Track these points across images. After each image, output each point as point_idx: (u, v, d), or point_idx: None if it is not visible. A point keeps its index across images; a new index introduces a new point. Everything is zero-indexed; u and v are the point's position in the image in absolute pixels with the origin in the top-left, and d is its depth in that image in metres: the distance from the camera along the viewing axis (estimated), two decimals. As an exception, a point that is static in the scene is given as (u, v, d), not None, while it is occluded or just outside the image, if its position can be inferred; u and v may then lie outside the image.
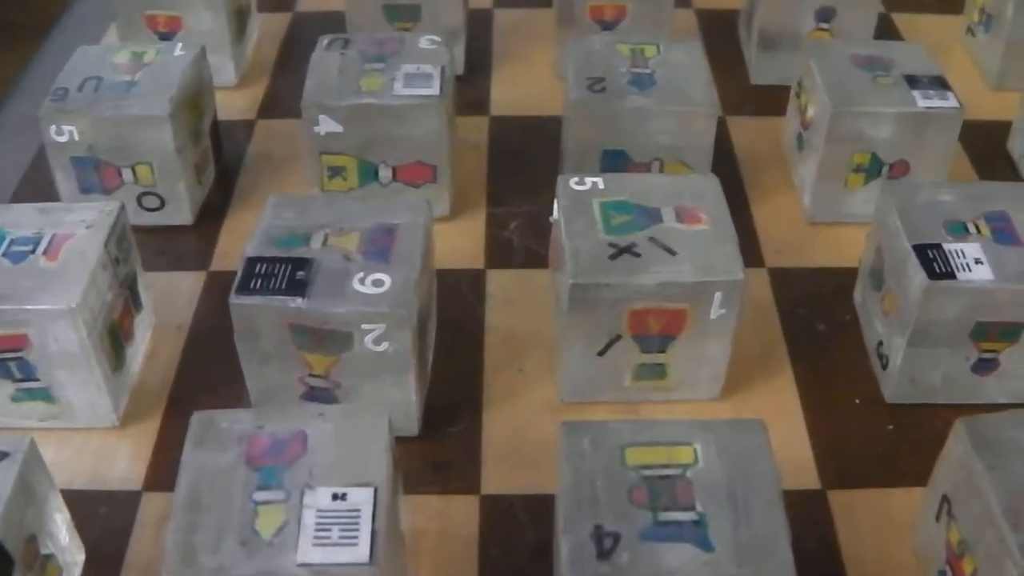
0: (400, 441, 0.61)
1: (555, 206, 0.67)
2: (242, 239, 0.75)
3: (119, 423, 0.66)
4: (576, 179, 0.67)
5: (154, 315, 0.72)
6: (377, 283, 0.60)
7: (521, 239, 0.78)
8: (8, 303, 0.60)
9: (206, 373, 0.69)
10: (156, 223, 0.79)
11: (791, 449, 0.65)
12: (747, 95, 0.93)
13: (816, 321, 0.72)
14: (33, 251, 0.63)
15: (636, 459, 0.52)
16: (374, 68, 0.76)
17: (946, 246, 0.63)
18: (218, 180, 0.83)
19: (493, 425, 0.66)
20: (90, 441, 0.65)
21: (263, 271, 0.61)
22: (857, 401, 0.68)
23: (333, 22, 0.95)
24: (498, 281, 0.75)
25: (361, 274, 0.60)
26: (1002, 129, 0.88)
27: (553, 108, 0.86)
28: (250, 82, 0.94)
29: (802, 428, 0.66)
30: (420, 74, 0.75)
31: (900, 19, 1.03)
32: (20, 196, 0.82)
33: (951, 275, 0.62)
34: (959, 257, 0.63)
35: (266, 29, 1.01)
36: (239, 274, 0.61)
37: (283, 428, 0.53)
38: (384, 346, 0.60)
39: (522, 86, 0.93)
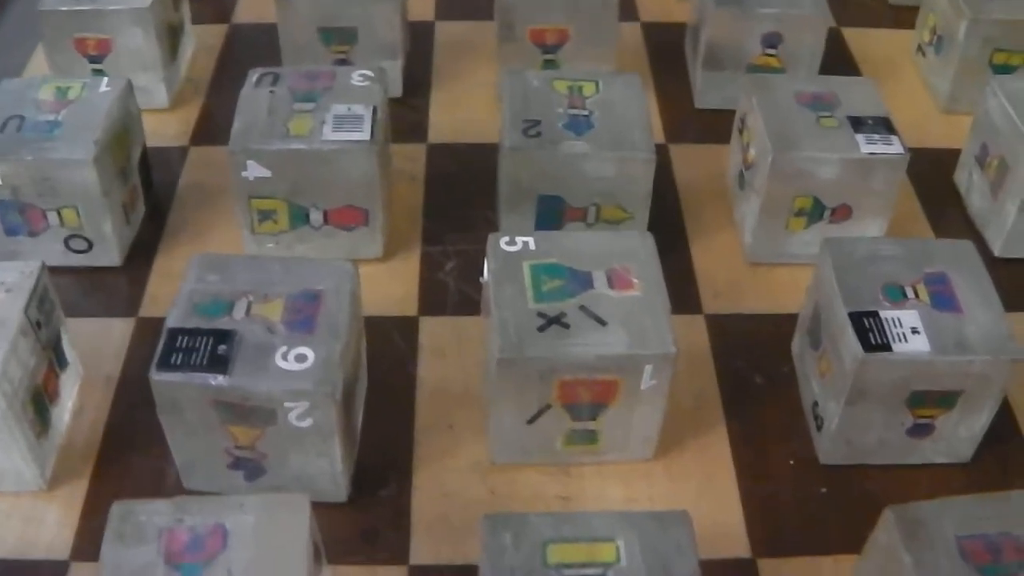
0: (327, 508, 0.61)
1: (485, 267, 0.65)
2: (172, 282, 0.74)
3: (46, 486, 0.64)
4: (507, 239, 0.65)
5: (81, 367, 0.70)
6: (300, 358, 0.59)
7: (456, 281, 0.76)
8: (-77, 379, 0.59)
9: (135, 428, 0.67)
10: (84, 264, 0.77)
11: (722, 514, 0.64)
12: (690, 120, 0.91)
13: (753, 372, 0.72)
14: (-51, 318, 0.62)
15: (558, 557, 0.52)
16: (303, 109, 0.74)
17: (883, 313, 0.63)
18: (148, 215, 0.81)
19: (422, 489, 0.65)
20: (18, 506, 0.64)
21: (184, 344, 0.59)
22: (791, 462, 0.67)
23: (270, 35, 0.92)
24: (431, 330, 0.74)
25: (284, 348, 0.59)
26: (949, 157, 0.87)
27: (492, 135, 0.85)
28: (184, 102, 0.92)
29: (734, 490, 0.65)
30: (351, 116, 0.73)
31: (850, 34, 1.01)
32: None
33: (887, 347, 0.61)
34: (896, 326, 0.62)
35: (202, 42, 0.98)
36: (160, 347, 0.59)
37: (203, 521, 0.52)
38: (308, 421, 0.59)
39: (462, 109, 0.92)
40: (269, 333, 0.60)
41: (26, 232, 0.76)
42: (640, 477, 0.66)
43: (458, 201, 0.83)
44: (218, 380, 0.58)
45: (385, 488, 0.65)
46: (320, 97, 0.75)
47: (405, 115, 0.88)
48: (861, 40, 1.01)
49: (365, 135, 0.72)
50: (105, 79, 0.78)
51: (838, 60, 0.96)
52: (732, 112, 0.84)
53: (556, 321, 0.61)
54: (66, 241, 0.76)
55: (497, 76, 0.91)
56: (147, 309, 0.75)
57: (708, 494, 0.65)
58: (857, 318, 0.62)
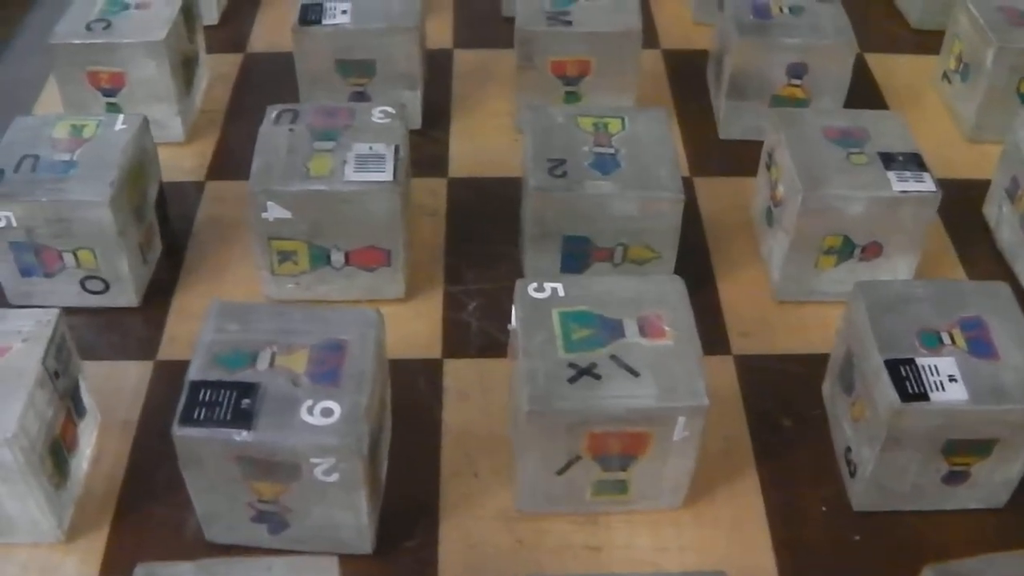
0: (353, 560, 0.60)
1: (513, 314, 0.64)
2: (190, 323, 0.73)
3: (64, 538, 0.63)
4: (535, 285, 0.64)
5: (99, 413, 0.69)
6: (326, 412, 0.58)
7: (480, 322, 0.75)
8: (-60, 432, 0.58)
9: (154, 476, 0.66)
10: (101, 305, 0.76)
11: (754, 562, 0.63)
12: (714, 151, 0.90)
13: (782, 415, 0.70)
14: (-34, 369, 0.60)
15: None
16: (324, 148, 0.73)
17: (919, 361, 0.61)
18: (165, 253, 0.80)
19: (449, 540, 0.63)
20: (35, 558, 0.63)
21: (207, 398, 0.58)
22: (823, 508, 0.66)
23: (285, 64, 0.91)
24: (455, 372, 0.72)
25: (309, 402, 0.58)
26: (977, 188, 0.85)
27: (512, 168, 0.84)
28: (199, 135, 0.91)
29: (766, 538, 0.64)
30: (372, 155, 0.72)
31: (873, 59, 1.00)
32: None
33: (924, 396, 0.60)
34: (932, 374, 0.61)
35: (217, 72, 0.97)
36: (182, 401, 0.58)
37: (227, 586, 0.51)
38: (334, 476, 0.58)
39: (481, 139, 0.90)
40: (293, 386, 0.59)
41: (41, 273, 0.74)
42: (669, 525, 0.65)
43: (479, 237, 0.81)
44: (242, 436, 0.57)
45: (411, 539, 0.64)
46: (340, 135, 0.74)
47: (425, 147, 0.87)
48: (884, 66, 1.00)
49: (388, 175, 0.71)
50: (121, 116, 0.77)
51: (861, 87, 0.94)
52: (756, 143, 0.83)
53: (587, 372, 0.60)
54: (82, 282, 0.75)
55: (516, 107, 0.90)
56: (166, 351, 0.74)
57: (739, 542, 0.64)
58: (893, 366, 0.61)
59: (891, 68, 1.00)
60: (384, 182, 0.71)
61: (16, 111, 0.89)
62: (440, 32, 1.02)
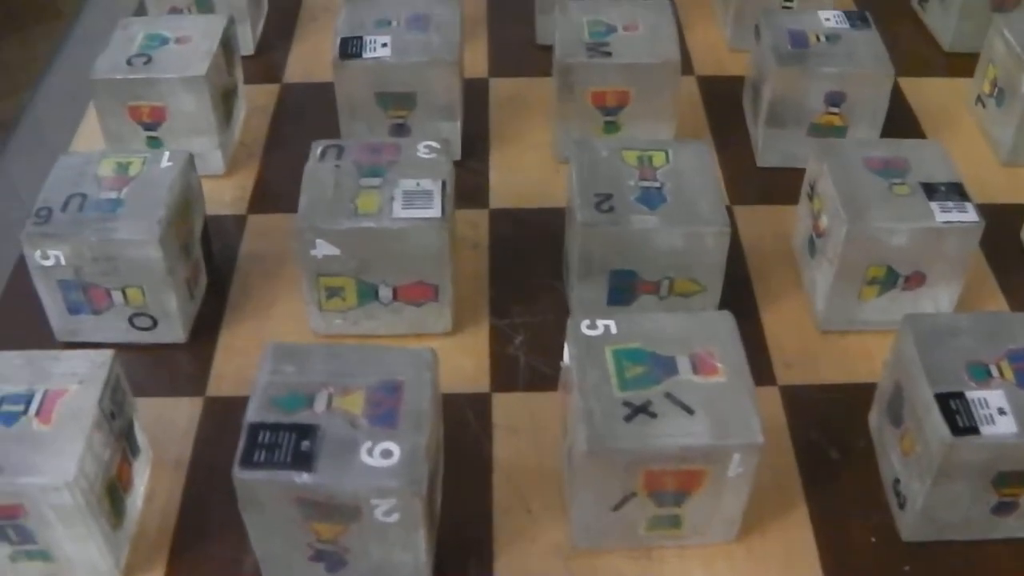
0: (410, 598, 0.60)
1: (566, 350, 0.64)
2: (237, 359, 0.74)
3: (121, 577, 0.64)
4: (587, 323, 0.64)
5: (151, 450, 0.69)
6: (385, 454, 0.58)
7: (527, 356, 0.76)
8: (3, 475, 0.58)
9: (210, 515, 0.67)
10: (148, 341, 0.76)
11: (809, 596, 0.63)
12: (753, 179, 0.91)
13: (829, 447, 0.71)
14: (25, 411, 0.61)
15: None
16: (370, 184, 0.73)
17: (969, 395, 0.62)
18: (210, 288, 0.81)
19: (504, 575, 0.64)
20: (91, 597, 0.63)
21: (266, 441, 0.59)
22: (873, 539, 0.66)
23: (322, 95, 0.92)
24: (504, 407, 0.73)
25: (368, 443, 0.58)
26: (1014, 213, 0.86)
27: (553, 198, 0.84)
28: (239, 167, 0.92)
29: (818, 570, 0.65)
30: (420, 192, 0.72)
31: (906, 84, 1.00)
32: (4, 311, 0.80)
33: (975, 430, 0.60)
34: (982, 408, 0.61)
35: (255, 104, 0.98)
36: (241, 443, 0.59)
37: (292, 629, 0.51)
38: (395, 517, 0.58)
39: (521, 170, 0.91)
40: (352, 428, 0.59)
41: (89, 311, 0.75)
42: (722, 559, 0.65)
43: (522, 269, 0.82)
44: (303, 478, 0.57)
45: (466, 575, 0.64)
46: (386, 171, 0.74)
47: (465, 178, 0.88)
48: (917, 89, 1.00)
49: (436, 212, 0.71)
50: (166, 153, 0.77)
51: (896, 112, 0.94)
52: (794, 170, 0.84)
53: (643, 411, 0.60)
54: (130, 319, 0.76)
55: (554, 136, 0.90)
56: (214, 387, 0.74)
57: (791, 574, 0.64)
58: (943, 400, 0.61)
59: (924, 92, 1.00)
60: (432, 218, 0.71)
61: (54, 144, 0.90)
62: (475, 60, 1.02)
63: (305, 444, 0.58)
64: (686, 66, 1.01)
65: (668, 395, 0.61)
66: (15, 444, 0.59)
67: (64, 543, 0.61)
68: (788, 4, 1.02)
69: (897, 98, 0.98)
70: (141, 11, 1.07)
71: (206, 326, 0.78)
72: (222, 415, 0.72)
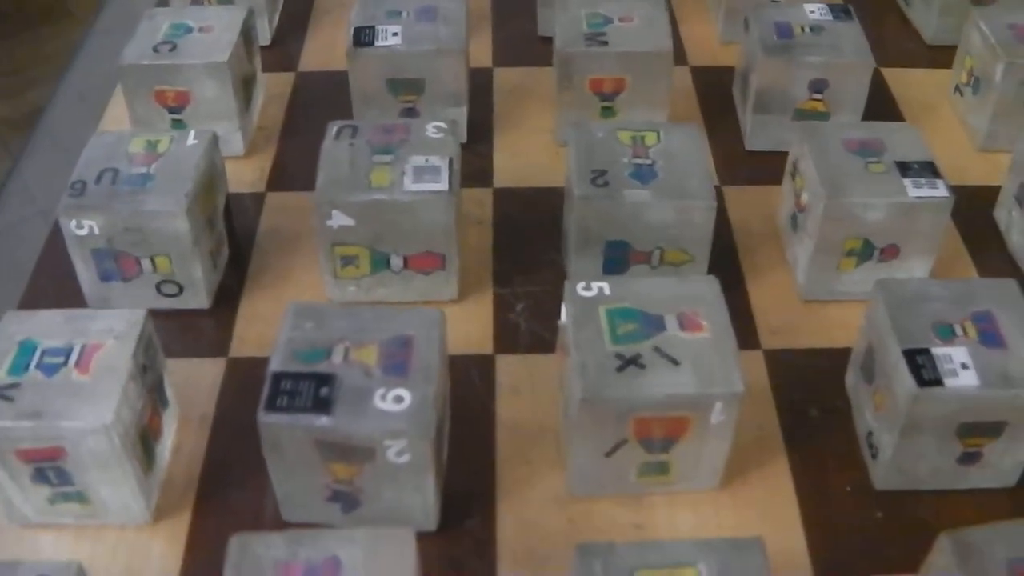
0: (418, 537, 0.65)
1: (563, 310, 0.70)
2: (257, 324, 0.79)
3: (151, 519, 0.69)
4: (583, 284, 0.70)
5: (178, 406, 0.75)
6: (397, 399, 0.63)
7: (527, 322, 0.81)
8: (45, 419, 0.63)
9: (233, 465, 0.72)
10: (175, 307, 0.81)
11: (786, 538, 0.68)
12: (742, 162, 0.96)
13: (809, 406, 0.76)
14: (65, 363, 0.66)
15: (646, 582, 0.56)
16: (383, 161, 0.79)
17: (934, 351, 0.67)
18: (231, 260, 0.86)
19: (506, 520, 0.69)
20: (124, 538, 0.68)
21: (288, 388, 0.64)
22: (848, 488, 0.71)
23: (336, 82, 0.97)
24: (506, 368, 0.78)
25: (382, 390, 0.64)
26: (988, 194, 0.91)
27: (553, 179, 0.89)
28: (257, 150, 0.97)
29: (796, 516, 0.70)
30: (429, 167, 0.78)
31: (890, 74, 1.06)
32: (37, 279, 0.85)
33: (939, 382, 0.65)
34: (947, 363, 0.66)
35: (271, 91, 1.03)
36: (265, 390, 0.64)
37: (316, 554, 0.56)
38: (405, 458, 0.64)
39: (523, 154, 0.96)
40: (367, 377, 0.65)
41: (120, 278, 0.80)
42: (708, 505, 0.70)
43: (524, 243, 0.87)
44: (322, 421, 0.63)
45: (470, 518, 0.69)
46: (397, 149, 0.80)
47: (471, 160, 0.93)
48: (900, 80, 1.05)
49: (443, 185, 0.77)
50: (192, 132, 0.82)
51: (878, 100, 1.00)
52: (780, 154, 0.89)
53: (633, 362, 0.65)
54: (158, 286, 0.81)
55: (555, 122, 0.96)
56: (236, 350, 0.80)
57: (771, 520, 0.69)
58: (910, 355, 0.67)
59: (907, 81, 1.05)
60: (440, 191, 0.77)
61: (84, 126, 0.96)
62: (481, 51, 1.08)
63: (324, 391, 0.64)
64: (680, 57, 1.06)
65: (656, 349, 0.66)
66: (56, 392, 0.64)
67: (100, 486, 0.66)
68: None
69: (881, 88, 1.03)
70: (163, 3, 1.12)
71: (228, 294, 0.84)
72: (243, 375, 0.77)
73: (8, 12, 2.35)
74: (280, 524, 0.68)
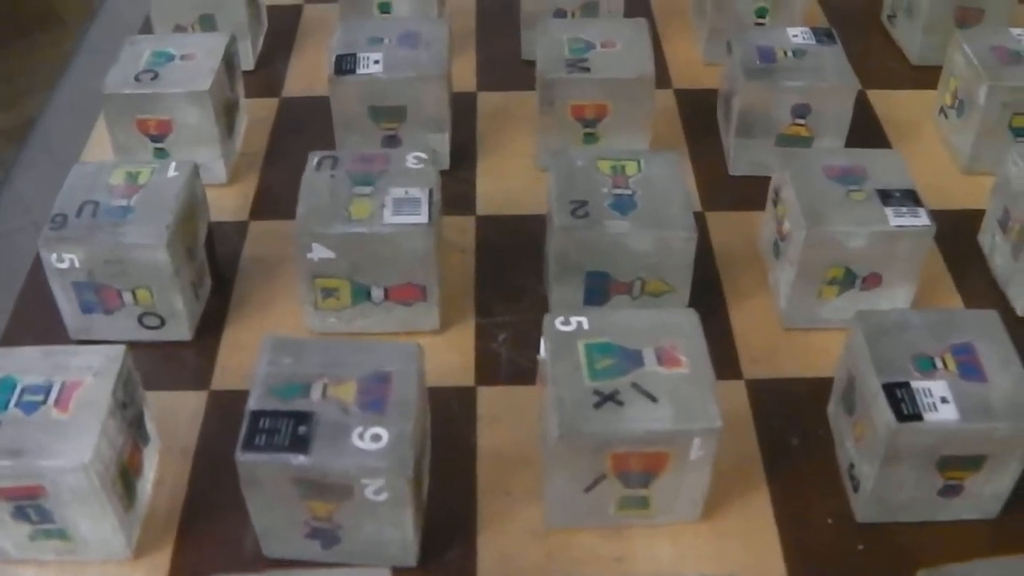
0: (398, 572, 0.65)
1: (542, 345, 0.70)
2: (240, 355, 0.79)
3: (132, 555, 0.69)
4: (561, 319, 0.70)
5: (159, 439, 0.74)
6: (375, 438, 0.63)
7: (509, 352, 0.81)
8: (25, 457, 0.63)
9: (214, 498, 0.72)
10: (156, 339, 0.81)
11: (768, 571, 0.68)
12: (725, 186, 0.96)
13: (790, 435, 0.76)
14: (44, 401, 0.66)
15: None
16: (363, 192, 0.79)
17: (914, 384, 0.67)
18: (214, 289, 0.86)
19: (485, 553, 0.69)
20: (106, 574, 0.68)
21: (266, 426, 0.64)
22: (829, 520, 0.71)
23: (318, 108, 0.97)
24: (487, 398, 0.78)
25: (360, 428, 0.64)
26: (972, 217, 0.91)
27: (535, 206, 0.90)
28: (240, 177, 0.97)
29: (777, 548, 0.70)
30: (408, 199, 0.78)
31: (874, 95, 1.06)
32: (20, 311, 0.86)
33: (918, 416, 0.65)
34: (926, 396, 0.66)
35: (255, 116, 1.03)
36: (244, 428, 0.64)
37: (290, 597, 0.56)
38: (383, 496, 0.64)
39: (506, 179, 0.96)
40: (344, 414, 0.65)
41: (101, 310, 0.80)
42: (688, 536, 0.70)
43: (506, 271, 0.87)
44: (300, 460, 0.63)
45: (450, 552, 0.69)
46: (377, 180, 0.80)
47: (453, 186, 0.93)
48: (884, 101, 1.06)
49: (423, 218, 0.77)
50: (173, 163, 0.82)
51: (863, 122, 1.00)
52: (763, 178, 0.89)
53: (610, 398, 0.65)
54: (139, 318, 0.81)
55: (538, 147, 0.96)
56: (219, 381, 0.80)
57: (752, 551, 0.70)
58: (890, 389, 0.67)
59: (891, 103, 1.06)
60: (420, 224, 0.77)
61: (65, 154, 0.96)
62: (464, 75, 1.08)
63: (302, 429, 0.64)
64: (664, 79, 1.06)
65: (634, 385, 0.66)
66: (36, 430, 0.65)
67: (80, 522, 0.66)
68: (760, 21, 1.07)
69: (865, 109, 1.03)
70: (147, 27, 1.12)
71: (210, 325, 0.84)
72: (225, 407, 0.77)
73: (-1, 22, 2.35)
74: (261, 559, 0.68)
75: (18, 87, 2.01)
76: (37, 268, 0.84)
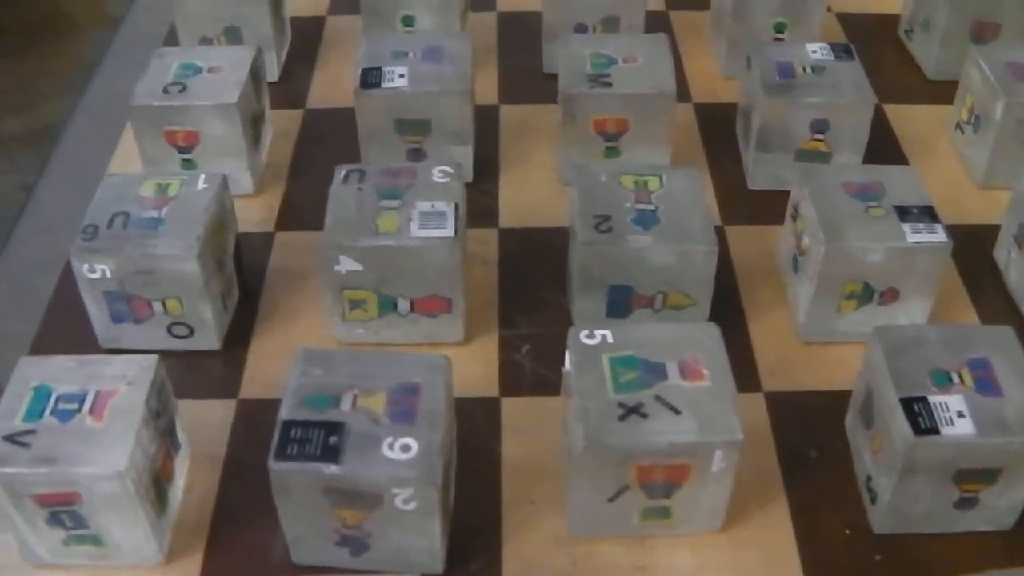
0: (426, 580, 0.67)
1: (567, 358, 0.71)
2: (268, 364, 0.80)
3: (164, 561, 0.70)
4: (586, 332, 0.71)
5: (189, 446, 0.76)
6: (405, 448, 0.65)
7: (532, 363, 0.82)
8: (60, 465, 0.65)
9: (243, 505, 0.73)
10: (185, 348, 0.83)
11: (787, 581, 0.70)
12: (744, 201, 0.97)
13: (808, 448, 0.77)
14: (79, 409, 0.68)
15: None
16: (390, 206, 0.80)
17: (931, 399, 0.68)
18: (242, 299, 0.87)
19: (510, 561, 0.70)
20: (137, 579, 0.70)
21: (298, 436, 0.65)
22: (847, 531, 0.72)
23: (343, 120, 0.99)
24: (511, 409, 0.79)
25: (390, 439, 0.65)
26: (988, 233, 0.92)
27: (558, 218, 0.91)
28: (266, 188, 0.99)
29: (795, 558, 0.71)
30: (435, 213, 0.79)
31: (891, 110, 1.07)
32: (50, 320, 0.87)
33: (935, 431, 0.67)
34: (943, 411, 0.67)
35: (280, 128, 1.05)
36: (276, 438, 0.65)
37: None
38: (412, 505, 0.65)
39: (528, 191, 0.98)
40: (374, 424, 0.66)
41: (131, 320, 0.82)
42: (709, 547, 0.71)
43: (529, 284, 0.89)
44: (331, 469, 0.64)
45: (476, 561, 0.71)
46: (404, 194, 0.81)
47: (477, 199, 0.94)
48: (901, 116, 1.07)
49: (449, 231, 0.78)
50: (202, 176, 0.84)
51: (879, 136, 1.01)
52: (782, 192, 0.90)
53: (635, 411, 0.67)
54: (169, 328, 0.82)
55: (559, 160, 0.97)
56: (247, 390, 0.81)
57: (771, 562, 0.71)
58: (907, 403, 0.68)
59: (908, 117, 1.07)
60: (446, 237, 0.78)
61: (93, 164, 0.97)
62: (487, 88, 1.09)
63: (333, 439, 0.65)
64: (683, 93, 1.08)
65: (658, 397, 0.68)
66: (71, 438, 0.66)
67: (113, 529, 0.68)
68: (779, 36, 1.08)
69: (882, 124, 1.05)
70: (171, 39, 1.14)
71: (238, 335, 0.85)
72: (253, 415, 0.79)
73: (14, 27, 2.37)
74: (290, 565, 0.70)
75: (34, 93, 2.03)
76: (66, 277, 0.86)
